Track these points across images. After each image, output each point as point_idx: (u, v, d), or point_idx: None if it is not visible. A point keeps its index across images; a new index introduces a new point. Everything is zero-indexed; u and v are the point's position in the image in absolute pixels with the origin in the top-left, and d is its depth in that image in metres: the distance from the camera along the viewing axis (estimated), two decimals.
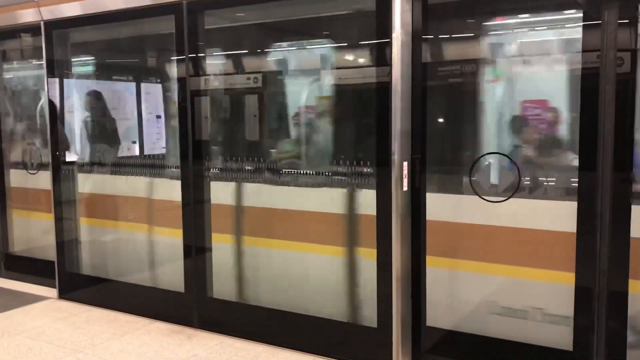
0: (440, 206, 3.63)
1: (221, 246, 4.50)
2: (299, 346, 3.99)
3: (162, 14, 4.45)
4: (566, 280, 3.27)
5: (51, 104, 5.21)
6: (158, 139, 5.38)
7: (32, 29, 5.36)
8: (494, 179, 3.47)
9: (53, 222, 5.27)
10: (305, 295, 4.19)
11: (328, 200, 4.03)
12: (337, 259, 4.05)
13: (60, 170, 5.25)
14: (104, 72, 5.62)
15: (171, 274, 4.69)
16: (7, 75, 6.21)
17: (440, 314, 3.68)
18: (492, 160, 3.48)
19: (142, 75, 5.57)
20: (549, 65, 3.49)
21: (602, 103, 3.05)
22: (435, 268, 3.66)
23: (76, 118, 5.46)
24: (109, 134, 5.50)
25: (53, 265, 5.31)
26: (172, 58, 4.57)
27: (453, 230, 3.61)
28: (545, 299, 3.39)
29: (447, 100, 3.81)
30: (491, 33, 3.64)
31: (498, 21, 3.61)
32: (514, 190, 3.38)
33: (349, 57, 4.32)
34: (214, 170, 4.42)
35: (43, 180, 5.56)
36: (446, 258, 3.66)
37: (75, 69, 5.49)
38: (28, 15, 5.23)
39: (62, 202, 5.27)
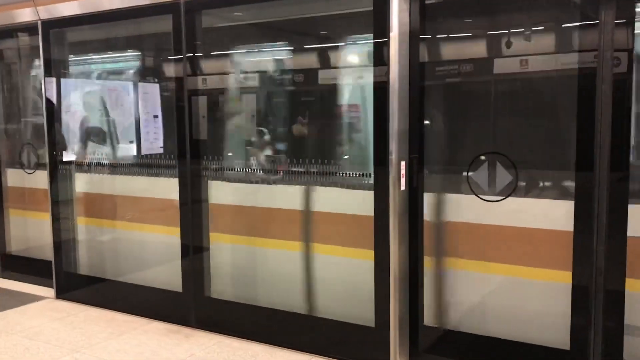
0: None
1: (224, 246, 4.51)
2: (296, 346, 3.99)
3: (160, 13, 4.45)
4: (563, 278, 3.28)
5: (48, 103, 5.20)
6: (156, 139, 5.37)
7: (29, 29, 5.35)
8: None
9: (50, 221, 5.27)
10: (303, 295, 4.19)
11: (327, 199, 4.03)
12: (334, 258, 4.06)
13: (58, 170, 5.25)
14: (101, 71, 5.62)
15: (169, 274, 4.69)
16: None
17: (438, 313, 3.69)
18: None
19: (140, 74, 5.56)
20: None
21: (598, 103, 3.06)
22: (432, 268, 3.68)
23: (74, 117, 5.45)
24: (108, 133, 5.49)
25: (50, 265, 5.31)
26: (169, 57, 4.57)
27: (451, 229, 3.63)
28: (542, 297, 3.40)
29: (445, 100, 3.81)
30: (488, 32, 3.65)
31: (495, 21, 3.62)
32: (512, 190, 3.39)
33: (346, 57, 4.32)
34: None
35: (41, 179, 5.57)
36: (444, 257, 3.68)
37: (73, 69, 5.49)
38: (25, 15, 5.22)
39: (59, 201, 5.27)
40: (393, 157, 3.50)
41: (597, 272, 3.15)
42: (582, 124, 3.15)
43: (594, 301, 3.17)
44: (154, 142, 5.35)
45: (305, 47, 4.47)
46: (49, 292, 5.33)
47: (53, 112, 5.22)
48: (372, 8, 3.58)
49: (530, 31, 3.50)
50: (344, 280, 4.05)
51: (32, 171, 5.85)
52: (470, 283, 3.60)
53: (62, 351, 4.10)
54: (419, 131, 3.58)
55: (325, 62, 4.35)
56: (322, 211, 4.08)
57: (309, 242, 4.16)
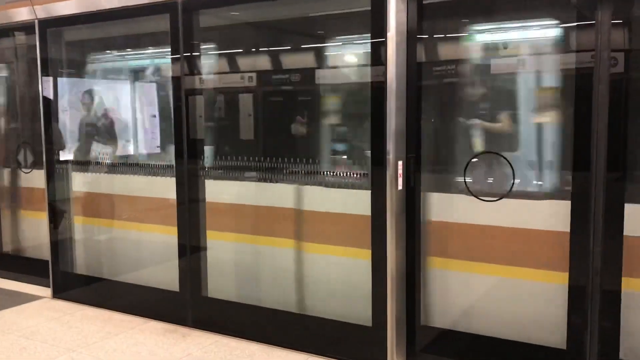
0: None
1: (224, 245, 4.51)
2: (293, 345, 3.99)
3: (157, 12, 4.45)
4: (559, 279, 3.29)
5: (45, 102, 5.19)
6: (153, 138, 5.37)
7: (26, 28, 5.34)
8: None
9: (47, 221, 5.27)
10: (301, 294, 4.19)
11: (325, 199, 4.04)
12: (332, 258, 4.06)
13: (54, 169, 5.24)
14: (98, 70, 5.62)
15: (166, 273, 4.68)
16: None
17: (435, 312, 3.70)
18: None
19: (137, 74, 5.56)
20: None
21: (595, 103, 3.06)
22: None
23: (73, 117, 5.45)
24: (107, 133, 5.48)
25: (47, 264, 5.30)
26: (167, 57, 4.57)
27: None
28: (538, 297, 3.41)
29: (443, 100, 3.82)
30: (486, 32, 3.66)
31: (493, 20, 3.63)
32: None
33: (344, 56, 4.33)
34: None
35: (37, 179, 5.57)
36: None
37: (71, 68, 5.48)
38: (22, 14, 5.21)
39: (56, 201, 5.26)
40: (390, 156, 3.50)
41: (594, 272, 3.15)
42: (578, 123, 3.15)
43: (591, 301, 3.17)
44: (152, 141, 5.36)
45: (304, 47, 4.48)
46: (46, 291, 5.32)
47: (50, 111, 5.21)
48: (369, 8, 3.58)
49: (527, 31, 3.52)
50: (342, 279, 4.05)
51: (29, 170, 5.84)
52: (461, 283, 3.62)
53: (59, 350, 4.10)
54: (416, 131, 3.59)
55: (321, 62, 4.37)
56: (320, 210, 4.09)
57: (307, 242, 4.17)
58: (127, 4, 4.52)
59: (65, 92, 5.36)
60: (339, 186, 3.91)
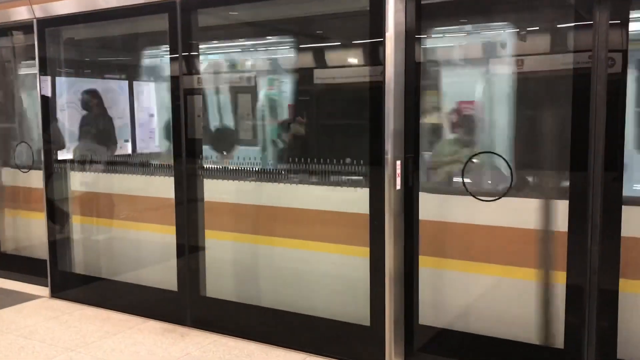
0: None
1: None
2: (292, 344, 4.00)
3: (156, 12, 4.44)
4: (557, 278, 3.30)
5: (44, 102, 5.18)
6: (151, 137, 5.37)
7: (25, 27, 5.34)
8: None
9: (45, 220, 5.26)
10: (299, 294, 4.20)
11: (324, 199, 4.04)
12: (332, 257, 4.07)
13: (53, 169, 5.24)
14: (96, 70, 5.61)
15: (164, 273, 4.69)
16: None
17: (433, 312, 3.71)
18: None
19: (135, 73, 5.56)
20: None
21: (593, 103, 3.07)
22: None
23: (72, 116, 5.44)
24: (106, 133, 5.48)
25: (45, 263, 5.29)
26: (165, 56, 4.57)
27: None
28: (535, 297, 3.42)
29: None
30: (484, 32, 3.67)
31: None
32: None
33: (342, 56, 4.33)
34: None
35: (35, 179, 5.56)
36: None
37: (69, 68, 5.48)
38: (20, 13, 5.20)
39: (54, 200, 5.26)
40: (389, 156, 3.51)
41: (592, 271, 3.16)
42: (576, 124, 3.16)
43: (588, 300, 3.18)
44: (150, 140, 5.36)
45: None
46: (44, 291, 5.32)
47: (48, 110, 5.20)
48: (368, 8, 3.59)
49: (525, 31, 3.52)
50: (340, 278, 4.06)
51: (26, 170, 5.84)
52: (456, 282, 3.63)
53: (57, 350, 4.10)
54: (415, 131, 3.59)
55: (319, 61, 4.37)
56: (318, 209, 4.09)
57: (307, 241, 4.18)
58: (125, 3, 4.52)
59: (63, 91, 5.36)
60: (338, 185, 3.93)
